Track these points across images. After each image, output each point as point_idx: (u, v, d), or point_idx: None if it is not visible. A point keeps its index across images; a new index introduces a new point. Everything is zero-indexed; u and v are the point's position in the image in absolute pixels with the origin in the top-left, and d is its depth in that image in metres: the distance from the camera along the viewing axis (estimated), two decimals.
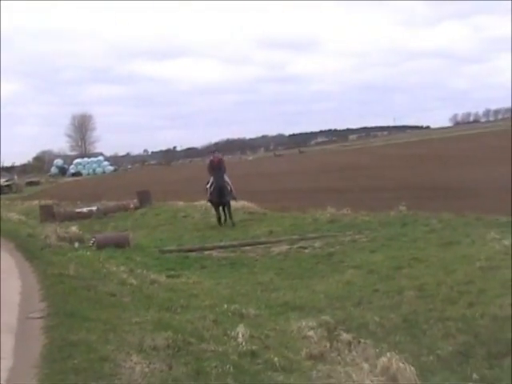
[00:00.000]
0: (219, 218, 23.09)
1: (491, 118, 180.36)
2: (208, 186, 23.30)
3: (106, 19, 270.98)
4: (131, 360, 6.62)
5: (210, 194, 23.18)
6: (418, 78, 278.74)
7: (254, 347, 7.80)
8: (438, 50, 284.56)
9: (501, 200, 20.85)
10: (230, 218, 22.81)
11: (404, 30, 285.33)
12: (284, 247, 17.22)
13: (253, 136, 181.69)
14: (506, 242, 12.94)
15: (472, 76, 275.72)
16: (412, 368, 7.02)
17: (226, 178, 23.34)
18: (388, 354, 7.28)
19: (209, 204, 24.35)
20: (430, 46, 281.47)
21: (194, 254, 17.59)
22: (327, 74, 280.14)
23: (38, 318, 8.60)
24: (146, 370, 6.39)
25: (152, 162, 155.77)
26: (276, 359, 7.32)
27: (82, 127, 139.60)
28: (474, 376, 6.85)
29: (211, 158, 24.60)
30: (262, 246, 17.84)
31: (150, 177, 70.11)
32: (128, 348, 7.04)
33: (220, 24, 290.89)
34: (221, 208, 23.14)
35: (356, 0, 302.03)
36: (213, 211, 23.80)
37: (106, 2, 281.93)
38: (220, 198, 22.80)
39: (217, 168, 23.34)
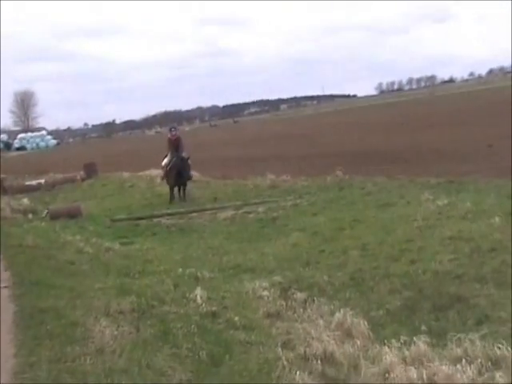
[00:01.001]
0: (171, 198, 21.26)
1: (414, 86, 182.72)
2: (163, 163, 22.03)
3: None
4: (100, 324, 6.59)
5: (166, 173, 21.75)
6: (344, 50, 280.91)
7: (213, 308, 7.84)
8: (362, 22, 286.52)
9: (428, 163, 21.28)
10: (183, 196, 21.11)
11: (331, 5, 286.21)
12: (229, 213, 17.24)
13: (188, 108, 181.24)
14: (440, 203, 13.20)
15: (395, 47, 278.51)
16: (365, 322, 7.14)
17: (185, 156, 21.53)
18: (342, 311, 7.39)
19: (163, 180, 22.80)
20: (355, 19, 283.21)
21: (143, 221, 17.53)
22: (259, 48, 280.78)
23: (4, 287, 8.49)
24: (116, 332, 6.37)
25: (93, 135, 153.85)
26: (236, 318, 7.38)
27: (24, 103, 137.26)
28: (423, 328, 6.98)
29: (169, 135, 22.78)
30: (208, 212, 17.85)
31: (92, 149, 69.34)
32: (95, 313, 7.01)
33: (155, 2, 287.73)
34: (176, 188, 21.46)
35: None
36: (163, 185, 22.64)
37: None
38: (177, 178, 21.15)
39: (174, 146, 21.73)
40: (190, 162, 21.48)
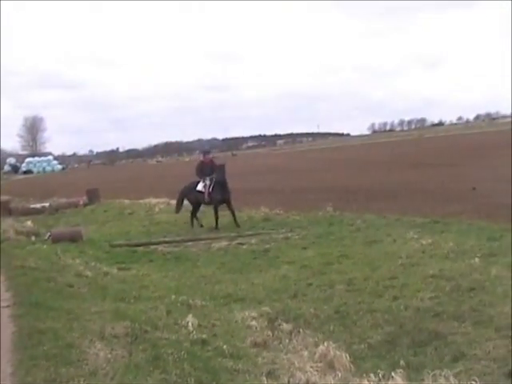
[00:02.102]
0: (216, 220, 20.24)
1: (405, 128, 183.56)
2: (200, 188, 20.87)
3: (55, 29, 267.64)
4: (95, 347, 6.66)
5: (209, 193, 20.60)
6: (339, 89, 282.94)
7: (203, 336, 7.90)
8: (357, 64, 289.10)
9: (415, 201, 21.37)
10: (234, 216, 20.23)
11: (328, 45, 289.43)
12: (223, 243, 17.25)
13: (189, 139, 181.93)
14: (424, 241, 13.27)
15: (388, 88, 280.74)
16: (347, 355, 7.18)
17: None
18: (325, 343, 7.42)
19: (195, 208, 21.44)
20: (351, 60, 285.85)
21: (141, 248, 17.54)
22: (258, 84, 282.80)
23: (5, 307, 8.53)
24: (109, 356, 6.44)
25: (97, 162, 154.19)
26: (225, 347, 7.42)
27: (33, 128, 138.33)
28: (401, 362, 7.01)
29: (202, 158, 22.05)
30: (203, 241, 17.85)
31: (95, 175, 69.47)
32: (91, 335, 7.07)
33: (160, 37, 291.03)
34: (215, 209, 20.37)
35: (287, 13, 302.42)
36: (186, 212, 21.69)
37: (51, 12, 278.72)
38: (223, 194, 20.29)
39: (208, 168, 20.78)
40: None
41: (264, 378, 6.32)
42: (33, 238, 18.22)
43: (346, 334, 8.44)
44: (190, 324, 8.34)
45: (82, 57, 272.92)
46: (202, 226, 20.87)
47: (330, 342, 7.45)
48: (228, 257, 15.40)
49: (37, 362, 6.03)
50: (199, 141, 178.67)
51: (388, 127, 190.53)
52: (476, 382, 5.98)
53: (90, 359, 6.25)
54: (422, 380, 6.25)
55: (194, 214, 21.28)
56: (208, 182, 20.73)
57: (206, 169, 20.99)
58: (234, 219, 20.18)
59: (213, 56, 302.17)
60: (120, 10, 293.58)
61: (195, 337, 7.80)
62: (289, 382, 6.28)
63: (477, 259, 10.91)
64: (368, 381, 6.18)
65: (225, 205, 20.55)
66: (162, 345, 7.12)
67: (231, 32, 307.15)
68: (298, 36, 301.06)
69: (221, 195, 20.39)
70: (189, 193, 21.53)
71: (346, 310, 9.42)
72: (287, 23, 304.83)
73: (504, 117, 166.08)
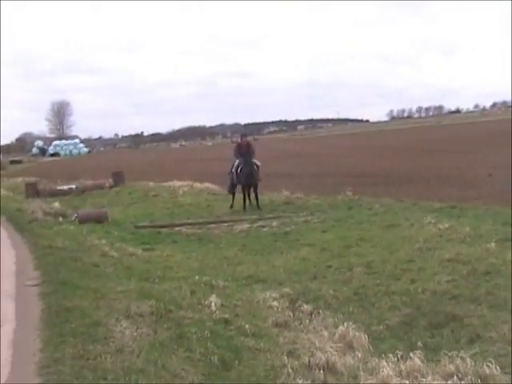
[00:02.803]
0: (244, 201, 20.57)
1: (423, 114, 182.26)
2: (233, 169, 20.93)
3: (80, 17, 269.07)
4: (121, 325, 6.69)
5: (237, 176, 20.66)
6: (358, 76, 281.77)
7: (226, 315, 7.91)
8: (375, 51, 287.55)
9: (433, 187, 21.25)
10: (257, 199, 20.56)
11: (346, 32, 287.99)
12: (245, 226, 17.27)
13: (212, 124, 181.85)
14: (441, 226, 13.19)
15: (405, 76, 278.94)
16: (365, 336, 7.19)
17: (256, 161, 20.93)
18: (345, 324, 7.43)
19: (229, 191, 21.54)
20: (369, 48, 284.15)
21: (165, 229, 17.59)
22: (279, 71, 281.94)
23: (34, 285, 8.59)
24: (135, 334, 6.47)
25: (122, 145, 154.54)
26: (247, 326, 7.44)
27: (60, 113, 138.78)
28: (419, 344, 7.00)
29: (239, 141, 22.32)
30: (226, 224, 17.87)
31: (121, 158, 69.48)
32: (117, 314, 7.11)
33: (183, 24, 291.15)
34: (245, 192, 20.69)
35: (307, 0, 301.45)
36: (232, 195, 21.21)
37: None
38: (248, 179, 20.33)
39: (245, 152, 20.90)
40: (259, 164, 21.15)
41: (285, 357, 6.33)
42: (60, 219, 18.31)
43: (365, 316, 8.45)
44: (212, 304, 8.34)
45: (105, 43, 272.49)
46: (231, 206, 20.77)
47: (350, 323, 7.47)
48: (249, 239, 15.41)
49: (65, 338, 6.07)
50: (222, 125, 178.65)
51: (406, 114, 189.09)
52: (492, 363, 5.95)
53: (117, 337, 6.27)
54: (439, 361, 6.23)
55: (232, 193, 21.18)
56: (236, 164, 20.81)
57: (242, 151, 21.03)
58: (257, 202, 20.42)
59: (235, 43, 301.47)
60: None
61: (218, 316, 7.82)
62: (309, 361, 6.28)
63: (493, 244, 10.82)
64: (386, 361, 6.16)
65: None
66: (185, 324, 7.15)
67: (254, 19, 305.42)
68: (318, 24, 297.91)
69: (246, 178, 20.41)
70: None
71: (364, 292, 9.41)
72: (307, 12, 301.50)
73: None
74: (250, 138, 26.78)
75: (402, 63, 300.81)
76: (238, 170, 20.62)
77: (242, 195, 20.81)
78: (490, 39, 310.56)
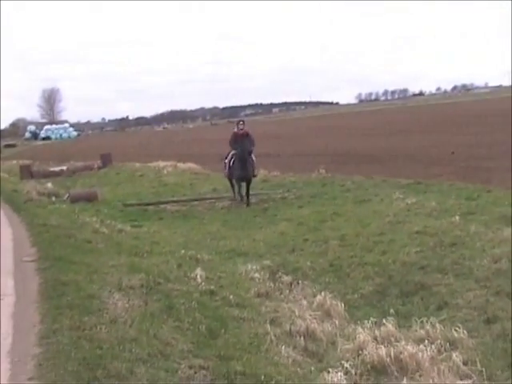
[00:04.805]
0: (239, 194, 17.17)
1: (389, 97, 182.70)
2: (226, 160, 17.58)
3: (70, 13, 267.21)
4: (113, 297, 6.64)
5: (229, 167, 17.33)
6: (329, 63, 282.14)
7: (211, 287, 7.90)
8: (345, 41, 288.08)
9: (400, 165, 21.29)
10: (247, 195, 16.94)
11: (317, 24, 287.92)
12: (226, 202, 17.26)
13: (193, 108, 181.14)
14: (408, 201, 13.23)
15: (373, 63, 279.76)
16: (342, 304, 7.21)
17: (253, 156, 17.30)
18: (322, 294, 7.46)
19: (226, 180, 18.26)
20: (339, 37, 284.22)
21: (151, 207, 17.51)
22: (254, 59, 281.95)
23: (31, 261, 8.51)
24: (127, 305, 6.42)
25: (109, 129, 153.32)
26: (231, 297, 7.44)
27: (50, 99, 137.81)
28: (391, 311, 7.03)
29: (235, 130, 17.82)
30: (208, 201, 17.81)
31: (108, 141, 69.00)
32: (109, 287, 7.05)
33: (165, 18, 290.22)
34: (238, 187, 17.27)
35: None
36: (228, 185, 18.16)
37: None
38: (242, 170, 16.81)
39: (240, 141, 17.11)
40: (254, 159, 17.42)
41: (268, 326, 6.34)
42: (53, 199, 18.21)
43: (341, 285, 8.50)
44: (198, 276, 8.31)
45: (94, 36, 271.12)
46: (234, 198, 17.64)
47: (327, 293, 7.51)
48: (231, 215, 15.40)
49: (62, 311, 6.01)
50: (202, 109, 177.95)
51: (373, 97, 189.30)
52: (459, 328, 6.01)
53: (110, 308, 6.23)
54: (411, 327, 6.28)
55: (237, 186, 17.45)
56: (229, 157, 17.54)
57: (238, 141, 17.40)
58: (247, 198, 16.91)
59: (214, 34, 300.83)
60: None
61: (204, 288, 7.80)
62: (290, 328, 6.30)
63: (457, 217, 10.87)
64: (362, 327, 6.18)
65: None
66: (174, 295, 7.12)
67: (231, 12, 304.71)
68: (291, 16, 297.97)
69: (240, 172, 17.01)
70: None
71: (339, 264, 9.45)
72: (281, 5, 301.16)
73: (478, 88, 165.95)
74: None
75: (371, 51, 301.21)
76: (231, 163, 17.30)
77: (237, 186, 17.35)
78: (452, 28, 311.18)
